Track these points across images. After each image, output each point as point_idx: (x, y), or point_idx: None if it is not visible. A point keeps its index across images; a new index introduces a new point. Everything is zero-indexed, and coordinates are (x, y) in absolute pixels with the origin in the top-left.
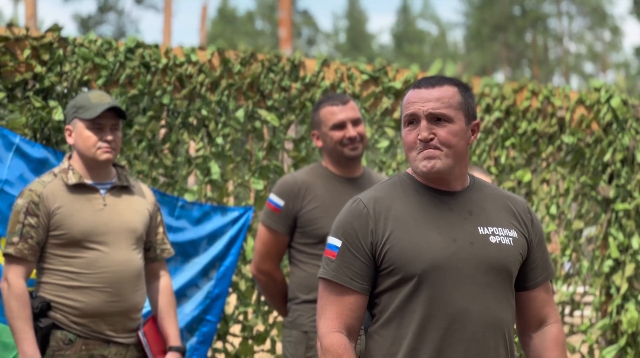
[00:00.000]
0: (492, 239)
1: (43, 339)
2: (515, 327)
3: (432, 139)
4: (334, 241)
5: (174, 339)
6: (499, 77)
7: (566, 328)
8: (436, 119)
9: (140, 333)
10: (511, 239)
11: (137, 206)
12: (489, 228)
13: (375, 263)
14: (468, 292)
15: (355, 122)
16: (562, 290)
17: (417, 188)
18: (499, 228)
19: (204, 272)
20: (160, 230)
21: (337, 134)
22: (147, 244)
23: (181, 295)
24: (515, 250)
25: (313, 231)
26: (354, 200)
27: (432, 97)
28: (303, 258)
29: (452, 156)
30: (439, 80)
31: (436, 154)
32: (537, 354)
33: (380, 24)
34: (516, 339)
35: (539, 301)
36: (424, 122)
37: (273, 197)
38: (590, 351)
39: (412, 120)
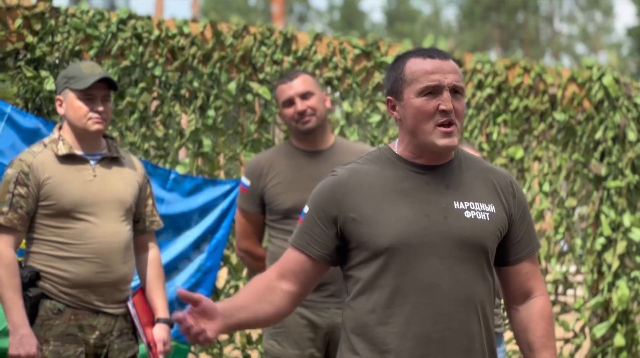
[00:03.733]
0: (467, 214)
1: (32, 309)
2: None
3: (451, 111)
4: (304, 209)
5: (162, 311)
6: (491, 57)
7: (559, 307)
8: (454, 92)
9: (129, 304)
10: (488, 214)
11: (127, 177)
12: (465, 202)
13: (344, 236)
14: (438, 267)
15: (304, 95)
16: (555, 269)
17: (396, 162)
18: (476, 203)
19: (196, 245)
20: (150, 201)
21: (289, 111)
22: (137, 216)
23: (173, 268)
24: (492, 225)
25: (276, 206)
26: (331, 172)
27: (451, 69)
28: (274, 233)
29: (461, 131)
30: (444, 52)
31: (454, 130)
32: (523, 327)
33: (373, 2)
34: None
35: (523, 275)
36: (447, 94)
37: (243, 178)
38: (583, 329)
39: (432, 91)
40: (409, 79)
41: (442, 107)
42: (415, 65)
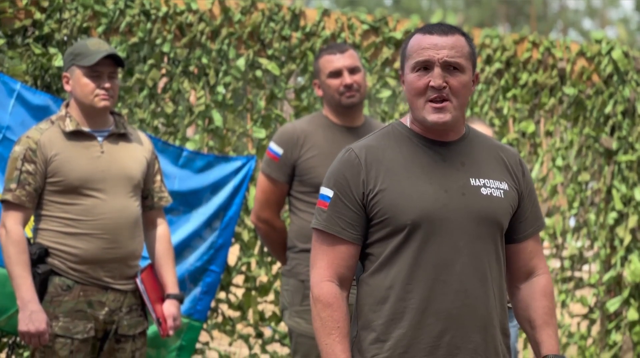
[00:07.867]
0: (484, 191)
1: (41, 285)
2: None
3: (444, 88)
4: (325, 191)
5: (171, 287)
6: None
7: (574, 283)
8: (449, 67)
9: (137, 280)
10: (502, 191)
11: (135, 153)
12: (481, 179)
13: (367, 214)
14: (457, 243)
15: (352, 70)
16: (571, 244)
17: (410, 137)
18: (491, 180)
19: (208, 222)
20: (158, 178)
21: (334, 82)
22: (145, 192)
23: (186, 246)
24: (506, 202)
25: (310, 179)
26: (346, 150)
27: (446, 45)
28: (301, 206)
29: (459, 108)
30: (450, 28)
31: (447, 106)
32: (525, 305)
33: None
34: None
35: (528, 253)
36: (437, 70)
37: (272, 145)
38: (596, 303)
39: (424, 67)
40: (407, 55)
41: (431, 83)
42: (414, 41)
